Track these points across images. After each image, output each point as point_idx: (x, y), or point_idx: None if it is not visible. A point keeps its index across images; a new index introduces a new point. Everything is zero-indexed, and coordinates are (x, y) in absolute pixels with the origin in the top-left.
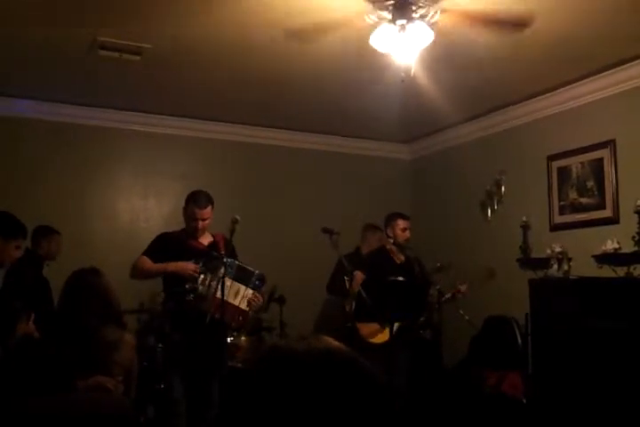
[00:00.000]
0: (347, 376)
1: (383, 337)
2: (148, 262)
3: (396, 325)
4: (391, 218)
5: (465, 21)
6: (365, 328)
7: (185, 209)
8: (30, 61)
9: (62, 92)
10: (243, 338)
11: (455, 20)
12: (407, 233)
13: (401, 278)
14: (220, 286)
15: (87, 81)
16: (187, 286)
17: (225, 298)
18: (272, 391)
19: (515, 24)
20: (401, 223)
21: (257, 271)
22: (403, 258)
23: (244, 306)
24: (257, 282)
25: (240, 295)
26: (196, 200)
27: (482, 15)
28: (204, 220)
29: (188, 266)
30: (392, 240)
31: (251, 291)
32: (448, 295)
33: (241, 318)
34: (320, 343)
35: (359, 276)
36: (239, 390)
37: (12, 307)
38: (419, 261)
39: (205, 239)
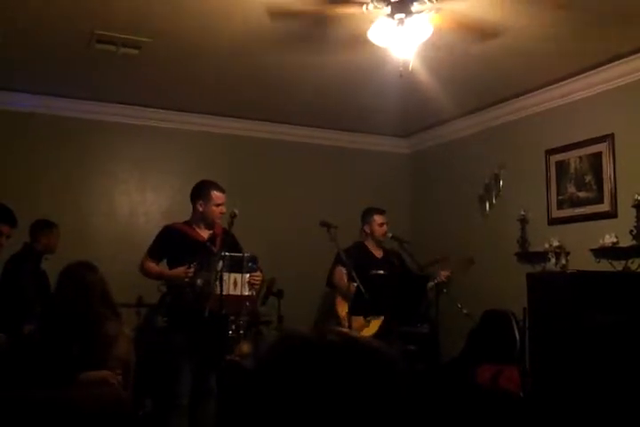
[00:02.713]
0: (362, 367)
1: (368, 332)
2: (149, 265)
3: (381, 318)
4: (368, 214)
5: (453, 24)
6: (352, 323)
7: (202, 199)
8: (28, 55)
9: (60, 85)
10: (241, 332)
11: (446, 21)
12: (384, 228)
13: (382, 272)
14: (218, 283)
15: (85, 75)
16: (185, 280)
17: (226, 292)
18: (283, 381)
19: (483, 34)
20: (378, 219)
21: (246, 254)
22: (382, 252)
23: (246, 292)
24: (250, 264)
25: (239, 284)
26: (215, 185)
27: (464, 20)
28: (224, 204)
29: (181, 273)
30: (369, 235)
31: (247, 275)
32: (432, 284)
33: (248, 303)
34: (336, 333)
35: (341, 272)
36: (246, 382)
37: (22, 296)
38: (397, 255)
39: (206, 232)
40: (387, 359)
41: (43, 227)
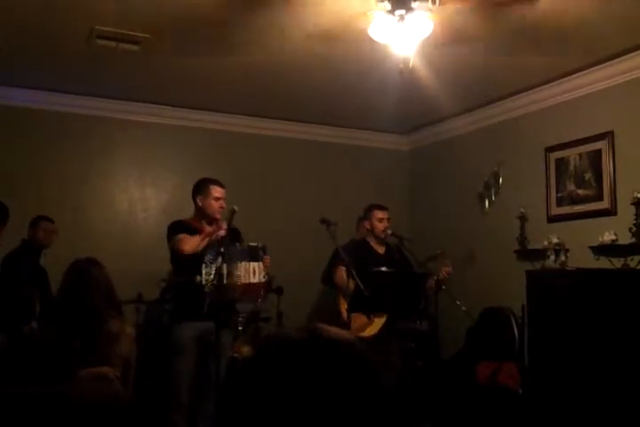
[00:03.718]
0: (345, 366)
1: (372, 330)
2: (184, 238)
3: (384, 317)
4: (369, 209)
5: (466, 4)
6: (354, 322)
7: (202, 194)
8: (28, 50)
9: (60, 81)
10: (240, 328)
11: (456, 4)
12: (384, 223)
13: (384, 269)
14: (239, 273)
15: (85, 70)
16: (198, 278)
17: (247, 281)
18: (269, 381)
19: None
20: (377, 213)
21: (259, 244)
22: (384, 249)
23: (263, 279)
24: (262, 253)
25: (257, 272)
26: (214, 181)
27: None
28: (224, 199)
29: (216, 230)
30: (370, 232)
31: (261, 263)
32: (433, 281)
33: (262, 290)
34: (322, 333)
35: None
36: (237, 381)
37: (20, 296)
38: (399, 249)
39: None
40: (363, 358)
41: (32, 222)
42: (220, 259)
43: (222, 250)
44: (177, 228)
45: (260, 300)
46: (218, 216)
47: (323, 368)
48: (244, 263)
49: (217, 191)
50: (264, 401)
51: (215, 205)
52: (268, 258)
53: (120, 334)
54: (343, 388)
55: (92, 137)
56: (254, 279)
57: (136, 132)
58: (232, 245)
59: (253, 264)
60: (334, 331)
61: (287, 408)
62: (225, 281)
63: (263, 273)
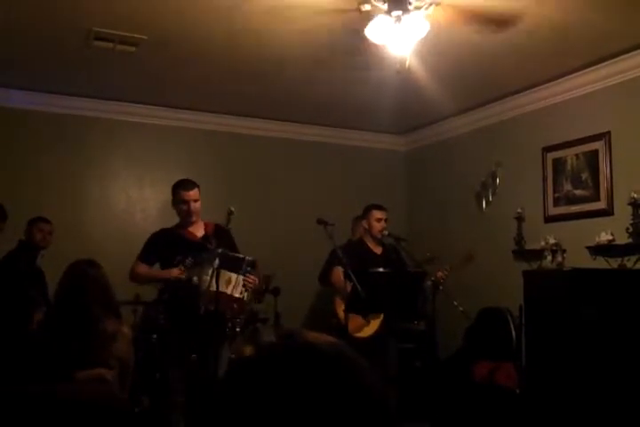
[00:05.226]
0: (329, 374)
1: (369, 331)
2: (141, 268)
3: (381, 317)
4: (367, 209)
5: (456, 17)
6: (350, 323)
7: (173, 199)
8: (26, 52)
9: (57, 82)
10: (237, 330)
11: (447, 15)
12: (382, 223)
13: (381, 269)
14: (210, 278)
15: (82, 72)
16: (182, 278)
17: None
18: (248, 392)
19: (499, 22)
20: (376, 213)
21: (247, 258)
22: (381, 249)
23: (237, 294)
24: (248, 268)
25: (232, 284)
26: (181, 185)
27: (471, 12)
28: (194, 201)
29: (172, 273)
30: (368, 232)
31: (242, 277)
32: (429, 283)
33: (236, 305)
34: (300, 340)
35: (339, 272)
36: (220, 392)
37: (26, 296)
38: (395, 249)
39: (199, 230)
40: (354, 368)
41: (28, 223)
42: (215, 262)
43: (219, 250)
44: (146, 245)
45: (228, 313)
46: (191, 219)
47: (298, 374)
48: (214, 269)
49: (183, 196)
50: (244, 411)
51: (184, 208)
52: (252, 278)
53: (117, 335)
54: (320, 392)
55: (90, 138)
56: (225, 289)
57: (134, 134)
58: (212, 250)
59: (229, 274)
60: (312, 335)
61: (267, 418)
62: (203, 286)
63: (241, 289)
